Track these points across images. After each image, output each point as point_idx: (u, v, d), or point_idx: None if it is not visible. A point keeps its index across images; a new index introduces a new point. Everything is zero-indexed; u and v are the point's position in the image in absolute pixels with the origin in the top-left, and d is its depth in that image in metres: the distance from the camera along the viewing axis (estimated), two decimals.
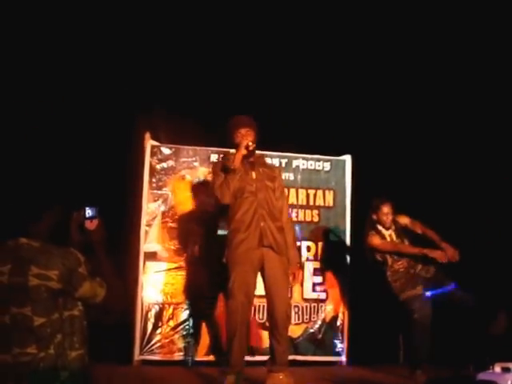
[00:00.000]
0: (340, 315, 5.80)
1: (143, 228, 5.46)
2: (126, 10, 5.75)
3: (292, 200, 5.79)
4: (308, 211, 5.86)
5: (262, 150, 5.63)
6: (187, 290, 5.43)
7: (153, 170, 5.58)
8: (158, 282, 5.41)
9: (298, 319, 5.65)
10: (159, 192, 5.57)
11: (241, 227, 4.07)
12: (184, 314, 5.42)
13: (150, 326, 5.33)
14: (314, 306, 5.73)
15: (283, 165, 5.83)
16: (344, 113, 6.30)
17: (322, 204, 5.91)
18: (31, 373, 2.08)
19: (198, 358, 5.35)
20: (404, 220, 5.19)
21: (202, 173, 5.70)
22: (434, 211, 5.89)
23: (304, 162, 5.94)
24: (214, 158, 5.69)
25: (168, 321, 5.39)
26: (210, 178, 5.54)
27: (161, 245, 5.48)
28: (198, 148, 5.75)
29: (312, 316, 5.70)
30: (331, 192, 5.94)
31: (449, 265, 4.89)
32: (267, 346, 4.30)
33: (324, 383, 4.64)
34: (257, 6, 6.03)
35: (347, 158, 6.02)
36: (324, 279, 5.77)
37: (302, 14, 6.20)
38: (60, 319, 2.17)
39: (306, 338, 5.66)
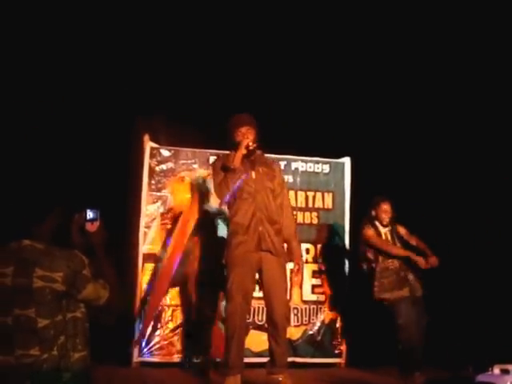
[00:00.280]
0: (339, 317, 5.81)
1: (142, 229, 5.47)
2: (126, 12, 5.77)
3: (291, 202, 5.78)
4: (307, 213, 5.88)
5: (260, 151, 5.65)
6: (186, 292, 5.42)
7: (152, 172, 5.59)
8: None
9: (297, 321, 5.66)
10: (158, 194, 5.58)
11: (239, 230, 4.08)
12: (183, 316, 5.41)
13: (148, 328, 5.32)
14: (313, 308, 5.75)
15: (282, 167, 5.80)
16: (343, 115, 6.32)
17: (321, 206, 5.93)
18: (34, 374, 2.09)
19: (196, 360, 5.33)
20: (402, 230, 5.25)
21: (201, 175, 5.71)
22: (432, 213, 5.93)
23: (303, 164, 5.96)
24: (213, 160, 5.68)
25: (167, 322, 5.40)
26: (209, 178, 5.59)
27: (160, 246, 5.46)
28: (197, 150, 5.77)
29: (311, 318, 5.73)
30: (330, 194, 5.97)
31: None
32: (266, 348, 4.30)
33: None
34: (255, 8, 6.04)
35: (346, 161, 6.04)
36: (323, 281, 5.79)
37: (300, 17, 6.22)
38: (63, 321, 2.19)
39: (305, 339, 5.68)
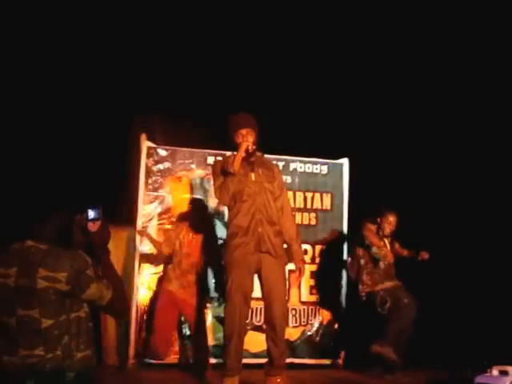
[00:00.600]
0: (337, 318, 5.83)
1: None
2: (124, 12, 5.78)
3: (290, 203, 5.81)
4: (305, 214, 5.90)
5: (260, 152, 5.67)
6: None
7: (149, 172, 5.60)
8: (154, 284, 5.41)
9: (296, 322, 5.68)
10: (155, 194, 5.58)
11: (238, 232, 4.09)
12: (180, 317, 5.40)
13: (145, 329, 5.32)
14: (312, 309, 5.77)
15: (281, 168, 5.79)
16: (342, 116, 6.33)
17: (319, 207, 5.95)
18: (38, 374, 2.10)
19: (193, 361, 5.33)
20: (396, 245, 5.52)
21: (199, 175, 5.73)
22: (431, 213, 5.95)
23: (301, 164, 5.97)
24: (210, 160, 5.71)
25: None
26: (206, 178, 5.60)
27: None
28: (194, 150, 5.77)
29: (309, 319, 5.75)
30: (329, 195, 5.98)
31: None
32: (264, 348, 4.31)
33: None
34: (254, 8, 6.05)
35: (345, 162, 6.05)
36: (321, 282, 5.78)
37: (299, 18, 6.24)
38: (67, 321, 2.20)
39: (303, 340, 5.70)
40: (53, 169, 5.37)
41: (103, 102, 5.87)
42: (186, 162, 5.71)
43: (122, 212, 5.61)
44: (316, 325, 5.76)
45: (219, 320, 5.40)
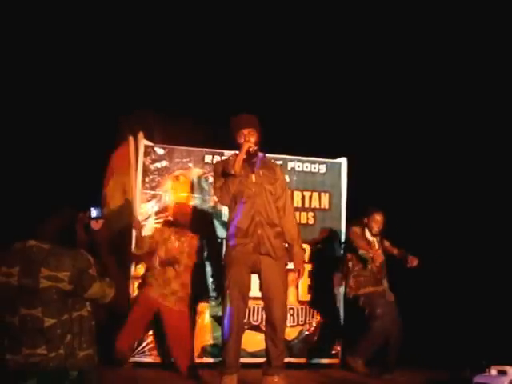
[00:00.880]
0: (335, 318, 5.83)
1: None
2: (121, 11, 5.78)
3: None
4: (303, 213, 5.89)
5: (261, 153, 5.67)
6: None
7: (146, 170, 5.60)
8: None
9: (293, 321, 5.68)
10: (152, 192, 5.57)
11: (238, 233, 4.11)
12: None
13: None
14: (310, 309, 5.77)
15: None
16: (340, 115, 6.34)
17: (317, 206, 5.95)
18: (41, 373, 2.11)
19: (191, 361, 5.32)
20: (386, 243, 5.50)
21: (196, 174, 5.71)
22: (428, 214, 5.95)
23: (299, 164, 5.97)
24: (208, 158, 5.72)
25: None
26: (204, 177, 5.59)
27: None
28: (191, 148, 5.77)
29: (307, 318, 5.75)
30: (327, 194, 5.98)
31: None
32: (261, 348, 4.31)
33: None
34: (252, 6, 6.05)
35: (343, 161, 6.05)
36: (319, 282, 5.78)
37: (298, 17, 6.24)
38: (69, 320, 2.21)
39: (301, 340, 5.70)
40: (50, 168, 5.36)
41: (100, 100, 5.84)
42: (184, 160, 5.71)
43: None
44: (314, 324, 5.75)
45: (217, 319, 5.39)
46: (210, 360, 5.39)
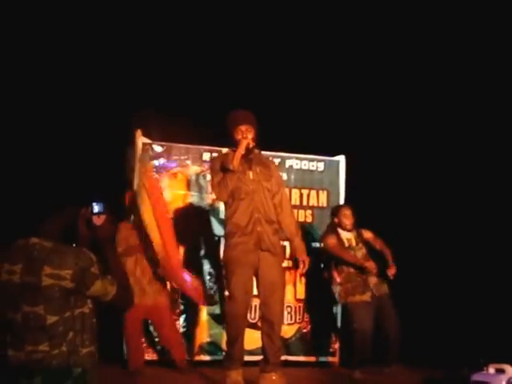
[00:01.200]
0: (332, 316, 5.84)
1: None
2: (120, 9, 5.78)
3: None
4: (301, 211, 5.90)
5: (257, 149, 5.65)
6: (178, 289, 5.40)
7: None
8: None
9: (291, 319, 5.68)
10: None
11: (237, 231, 4.11)
12: (174, 313, 5.38)
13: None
14: (307, 307, 5.76)
15: (276, 164, 5.80)
16: (338, 113, 6.33)
17: (315, 204, 5.95)
18: (45, 370, 2.13)
19: (189, 358, 5.31)
20: (367, 234, 5.37)
21: (194, 171, 5.70)
22: (427, 212, 5.94)
23: (297, 161, 5.97)
24: (206, 156, 5.72)
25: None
26: (202, 175, 5.57)
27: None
28: (190, 146, 5.76)
29: (305, 316, 5.75)
30: (325, 192, 5.98)
31: None
32: (258, 346, 4.31)
33: None
34: (252, 4, 6.04)
35: (341, 159, 6.05)
36: (317, 280, 5.77)
37: (297, 14, 6.23)
38: (72, 317, 2.22)
39: (298, 338, 5.70)
40: (50, 166, 5.35)
41: (99, 97, 5.83)
42: (182, 158, 5.70)
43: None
44: (311, 322, 5.75)
45: (214, 317, 5.38)
46: (208, 358, 5.38)
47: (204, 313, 5.48)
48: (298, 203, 5.89)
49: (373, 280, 5.13)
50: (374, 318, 5.03)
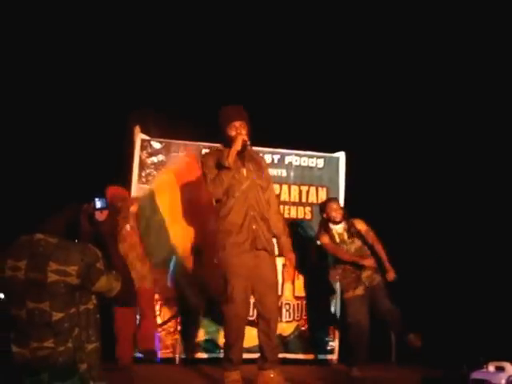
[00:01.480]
0: (331, 313, 5.83)
1: None
2: (117, 8, 5.76)
3: (284, 197, 5.81)
4: (300, 208, 5.88)
5: (254, 146, 5.62)
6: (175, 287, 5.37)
7: (143, 164, 5.58)
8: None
9: (289, 317, 5.68)
10: (148, 186, 5.51)
11: (232, 230, 4.09)
12: (172, 311, 5.35)
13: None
14: (306, 304, 5.76)
15: (276, 161, 5.83)
16: (338, 110, 6.30)
17: (314, 201, 5.93)
18: (51, 366, 2.13)
19: (186, 356, 5.34)
20: (360, 225, 5.31)
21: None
22: (427, 209, 5.91)
23: (297, 158, 5.96)
24: (204, 152, 5.64)
25: (155, 317, 5.33)
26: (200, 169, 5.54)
27: None
28: (188, 142, 5.75)
29: (303, 314, 5.74)
30: (324, 189, 5.97)
31: None
32: (257, 343, 4.27)
33: (314, 382, 4.64)
34: (251, 4, 6.03)
35: (341, 155, 6.01)
36: (315, 277, 5.74)
37: (295, 9, 6.20)
38: (77, 313, 2.22)
39: (297, 335, 5.70)
40: (49, 163, 5.33)
41: (97, 94, 5.81)
42: (180, 154, 5.65)
43: None
44: (310, 320, 5.74)
45: (212, 315, 5.35)
46: (205, 355, 5.35)
47: (201, 311, 5.45)
48: (297, 200, 5.88)
49: (366, 273, 5.11)
50: (369, 311, 5.03)
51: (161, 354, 5.32)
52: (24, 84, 5.55)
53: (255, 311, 5.21)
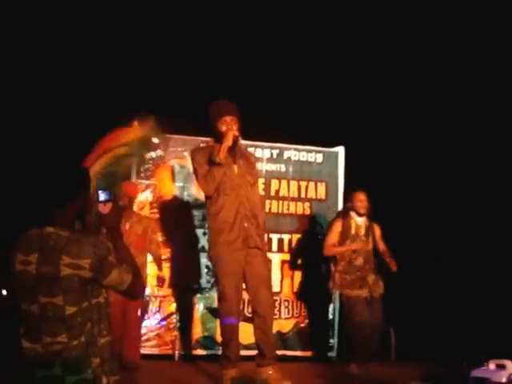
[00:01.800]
0: (331, 310, 5.82)
1: None
2: (114, 4, 5.71)
3: (283, 192, 5.80)
4: (299, 203, 5.88)
5: (253, 141, 5.60)
6: (174, 283, 5.34)
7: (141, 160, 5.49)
8: (144, 274, 5.31)
9: (288, 314, 5.69)
10: (147, 182, 5.48)
11: (224, 227, 4.09)
12: (171, 307, 5.37)
13: None
14: (305, 301, 5.75)
15: (274, 156, 5.80)
16: (337, 104, 6.28)
17: (313, 196, 5.92)
18: (64, 361, 2.12)
19: (184, 352, 5.34)
20: (377, 231, 5.30)
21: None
22: (427, 204, 5.88)
23: (296, 153, 5.94)
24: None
25: (154, 314, 5.33)
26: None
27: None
28: (187, 137, 5.72)
29: (302, 310, 5.74)
30: (323, 184, 5.95)
31: None
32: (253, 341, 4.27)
33: (313, 379, 4.63)
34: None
35: (340, 150, 5.99)
36: (315, 274, 5.71)
37: (295, 2, 6.16)
38: (89, 307, 2.21)
39: (296, 332, 5.71)
40: (46, 159, 5.29)
41: (95, 89, 5.78)
42: (179, 149, 5.66)
43: None
44: (309, 317, 5.75)
45: (211, 311, 5.34)
46: (204, 352, 5.35)
47: (201, 307, 5.48)
48: (296, 195, 5.87)
49: (371, 278, 5.10)
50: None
51: (160, 351, 5.33)
52: (25, 79, 5.53)
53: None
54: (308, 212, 5.88)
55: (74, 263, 2.13)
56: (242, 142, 5.46)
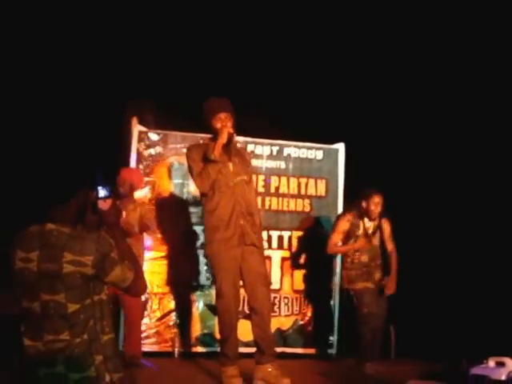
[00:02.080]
0: (330, 307, 5.84)
1: None
2: (111, 4, 5.72)
3: (283, 189, 5.81)
4: (299, 200, 5.88)
5: (253, 137, 5.60)
6: (173, 280, 5.36)
7: (140, 156, 5.57)
8: (143, 271, 5.31)
9: (288, 311, 5.71)
10: (146, 179, 5.50)
11: (220, 225, 4.13)
12: (170, 305, 5.38)
13: None
14: (305, 298, 5.78)
15: (274, 153, 5.81)
16: (337, 101, 6.28)
17: (313, 193, 5.92)
18: (67, 359, 2.14)
19: (184, 350, 5.35)
20: (386, 226, 5.29)
21: None
22: (427, 202, 5.87)
23: (296, 149, 5.94)
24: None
25: (154, 311, 5.37)
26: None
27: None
28: (186, 134, 5.74)
29: (302, 308, 5.77)
30: (323, 181, 5.95)
31: None
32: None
33: (313, 376, 4.63)
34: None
35: (340, 147, 5.99)
36: (315, 270, 5.72)
37: (293, 4, 6.16)
38: (92, 304, 2.22)
39: (295, 330, 5.73)
40: (45, 156, 5.32)
41: (94, 85, 5.80)
42: (178, 146, 5.68)
43: None
44: (308, 314, 5.77)
45: (210, 308, 5.34)
46: (204, 349, 5.37)
47: (200, 304, 5.51)
48: (296, 192, 5.87)
49: (377, 275, 5.12)
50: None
51: (159, 348, 5.35)
52: (23, 75, 5.54)
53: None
54: (308, 209, 5.88)
55: (76, 260, 2.14)
56: (242, 138, 5.53)
